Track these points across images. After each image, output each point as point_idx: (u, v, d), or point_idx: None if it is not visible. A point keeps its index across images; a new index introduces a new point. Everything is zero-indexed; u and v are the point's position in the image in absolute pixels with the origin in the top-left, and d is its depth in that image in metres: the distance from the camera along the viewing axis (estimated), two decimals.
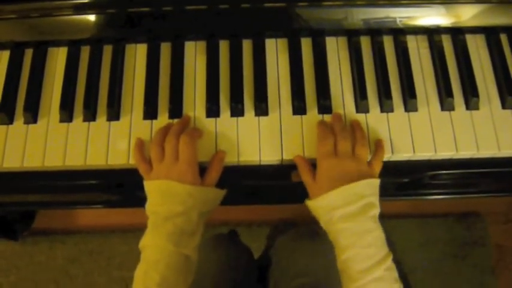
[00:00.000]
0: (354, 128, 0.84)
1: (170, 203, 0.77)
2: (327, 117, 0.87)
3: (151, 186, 0.80)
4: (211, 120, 0.87)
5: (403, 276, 1.69)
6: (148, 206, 0.79)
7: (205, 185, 0.80)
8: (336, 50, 0.92)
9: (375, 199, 0.76)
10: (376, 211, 0.75)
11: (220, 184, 0.83)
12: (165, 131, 0.83)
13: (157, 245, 0.75)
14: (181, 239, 0.75)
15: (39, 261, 1.77)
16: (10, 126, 0.88)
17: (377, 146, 0.84)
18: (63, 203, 1.00)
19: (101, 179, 0.89)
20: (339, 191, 0.74)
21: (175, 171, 0.78)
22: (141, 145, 0.85)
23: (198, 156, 0.81)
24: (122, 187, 0.92)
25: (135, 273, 0.75)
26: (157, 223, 0.76)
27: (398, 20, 0.91)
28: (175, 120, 0.87)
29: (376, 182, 0.78)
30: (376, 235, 0.73)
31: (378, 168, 0.82)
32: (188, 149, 0.79)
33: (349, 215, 0.73)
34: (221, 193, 0.83)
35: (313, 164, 0.82)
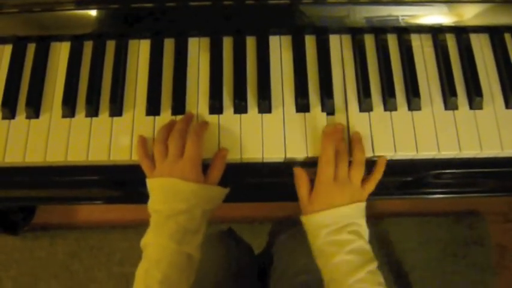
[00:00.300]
0: (354, 148, 0.83)
1: (173, 201, 0.77)
2: (330, 119, 0.87)
3: (154, 184, 0.79)
4: (214, 116, 0.87)
5: (404, 275, 1.69)
6: (151, 204, 0.79)
7: (208, 183, 0.80)
8: (340, 48, 0.92)
9: (361, 220, 0.80)
10: (358, 228, 0.78)
11: (223, 181, 0.83)
12: (168, 128, 0.83)
13: (160, 244, 0.75)
14: (184, 237, 0.75)
15: (39, 256, 1.77)
16: (12, 121, 0.88)
17: (378, 166, 0.84)
18: (64, 198, 0.99)
19: (103, 174, 0.89)
20: (329, 213, 0.78)
21: (178, 168, 0.78)
22: (144, 142, 0.84)
23: (202, 154, 0.81)
24: (123, 183, 0.92)
25: (137, 271, 0.75)
26: (160, 221, 0.76)
27: (401, 18, 0.91)
28: (178, 117, 0.87)
29: (363, 205, 0.81)
30: (358, 244, 0.76)
31: (371, 188, 0.84)
32: (194, 147, 0.79)
33: (334, 230, 0.77)
34: (224, 191, 0.83)
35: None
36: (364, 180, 0.83)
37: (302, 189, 0.82)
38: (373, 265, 0.76)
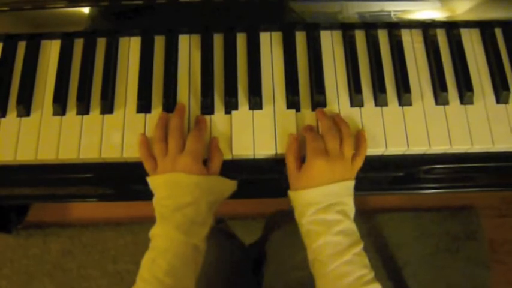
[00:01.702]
0: (338, 123, 0.84)
1: (178, 195, 0.77)
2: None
3: (157, 181, 0.80)
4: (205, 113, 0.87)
5: (397, 270, 1.70)
6: (156, 200, 0.80)
7: (210, 174, 0.81)
8: (331, 43, 0.92)
9: (348, 199, 0.79)
10: (345, 207, 0.78)
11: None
12: (165, 125, 0.84)
13: (167, 234, 0.76)
14: (191, 228, 0.76)
15: (33, 254, 1.77)
16: (3, 119, 0.88)
17: (359, 141, 0.85)
18: (57, 196, 0.99)
19: (95, 172, 0.89)
20: (318, 190, 0.78)
21: (180, 163, 0.78)
22: (146, 142, 0.84)
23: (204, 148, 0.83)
24: (116, 181, 0.92)
25: (143, 260, 0.76)
26: (167, 215, 0.77)
27: (393, 13, 0.91)
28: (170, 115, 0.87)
29: (351, 183, 0.81)
30: (344, 225, 0.76)
31: (359, 164, 0.84)
32: (195, 141, 0.80)
33: (321, 209, 0.77)
34: (231, 184, 0.84)
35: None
36: (352, 156, 0.83)
37: (290, 156, 0.83)
38: (359, 247, 0.76)
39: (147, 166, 0.83)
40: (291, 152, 0.83)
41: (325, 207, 0.76)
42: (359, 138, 0.85)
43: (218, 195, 0.83)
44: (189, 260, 0.76)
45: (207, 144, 0.84)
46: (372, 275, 0.75)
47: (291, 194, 0.82)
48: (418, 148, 0.86)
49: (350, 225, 0.77)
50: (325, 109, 0.87)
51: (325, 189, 0.77)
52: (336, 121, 0.85)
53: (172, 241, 0.75)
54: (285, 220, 1.10)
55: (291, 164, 0.82)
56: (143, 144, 0.84)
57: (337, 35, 0.93)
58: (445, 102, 0.88)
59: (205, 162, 0.82)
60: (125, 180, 0.90)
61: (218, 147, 0.84)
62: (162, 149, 0.81)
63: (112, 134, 0.86)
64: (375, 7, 0.90)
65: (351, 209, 0.79)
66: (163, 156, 0.81)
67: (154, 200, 0.80)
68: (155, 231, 0.77)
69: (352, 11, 0.90)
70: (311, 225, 0.77)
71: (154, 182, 0.81)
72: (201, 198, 0.78)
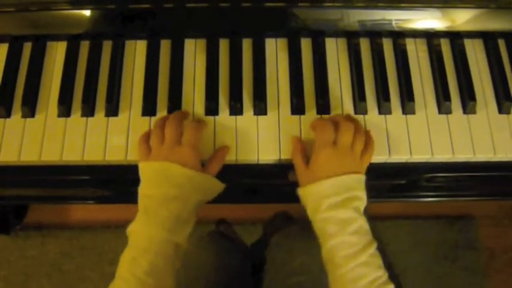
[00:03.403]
0: (352, 121, 0.83)
1: (166, 186, 0.75)
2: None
3: (147, 168, 0.78)
4: (210, 118, 0.87)
5: (395, 277, 1.69)
6: (142, 188, 0.77)
7: (205, 173, 0.80)
8: (336, 51, 0.92)
9: (362, 193, 0.77)
10: (360, 203, 0.76)
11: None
12: (166, 117, 0.83)
13: (149, 232, 0.73)
14: (176, 226, 0.74)
15: (31, 255, 1.77)
16: (8, 119, 0.88)
17: (367, 139, 0.84)
18: (57, 197, 0.99)
19: (95, 174, 0.89)
20: (331, 181, 0.75)
21: (176, 153, 0.77)
22: (149, 131, 0.84)
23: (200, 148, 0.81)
24: (116, 183, 0.92)
25: (121, 257, 0.73)
26: (151, 208, 0.74)
27: (396, 22, 0.91)
28: None
29: (363, 177, 0.79)
30: (360, 224, 0.74)
31: (368, 161, 0.83)
32: (195, 133, 0.79)
33: (335, 204, 0.74)
34: (220, 185, 0.82)
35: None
36: (361, 153, 0.82)
37: (297, 158, 0.81)
38: (374, 247, 0.74)
39: (140, 150, 0.81)
40: (297, 153, 0.82)
41: (341, 202, 0.74)
42: (366, 136, 0.84)
43: (207, 195, 0.81)
44: (170, 258, 0.73)
45: (205, 145, 0.84)
46: (386, 275, 0.73)
47: (301, 191, 0.79)
48: (420, 156, 0.86)
49: (364, 223, 0.75)
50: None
51: (335, 181, 0.75)
52: (350, 118, 0.84)
53: (154, 239, 0.73)
54: (284, 224, 1.11)
55: (298, 163, 0.81)
56: (146, 132, 0.84)
57: (342, 42, 0.93)
58: (448, 112, 0.88)
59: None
60: (124, 183, 0.90)
61: (224, 154, 0.84)
62: (159, 136, 0.80)
63: (116, 137, 0.86)
64: (376, 15, 0.91)
65: (363, 204, 0.77)
66: (159, 143, 0.79)
67: (140, 188, 0.77)
68: (136, 227, 0.74)
69: (353, 19, 0.91)
70: (325, 223, 0.75)
71: (144, 168, 0.78)
72: (190, 194, 0.76)
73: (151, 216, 0.74)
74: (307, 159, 0.82)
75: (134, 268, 0.71)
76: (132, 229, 0.75)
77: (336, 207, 0.74)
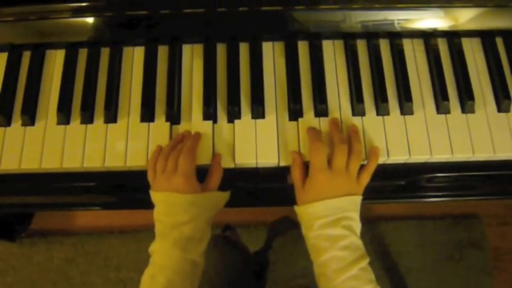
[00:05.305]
0: (351, 139, 0.84)
1: (175, 213, 0.78)
2: (323, 121, 0.87)
3: (156, 197, 0.81)
4: (208, 123, 0.87)
5: (400, 278, 1.69)
6: (156, 214, 0.81)
7: (208, 190, 0.82)
8: (333, 53, 0.93)
9: (354, 214, 0.79)
10: (351, 222, 0.78)
11: (219, 187, 0.84)
12: (176, 142, 0.85)
13: (165, 251, 0.77)
14: (188, 245, 0.77)
15: (36, 262, 1.77)
16: (8, 128, 0.89)
17: (371, 156, 0.84)
18: (61, 204, 1.00)
19: (99, 181, 0.89)
20: (324, 204, 0.78)
21: (173, 182, 0.79)
22: (157, 153, 0.85)
23: (195, 165, 0.82)
24: (120, 189, 0.93)
25: (143, 276, 0.77)
26: (164, 231, 0.78)
27: (394, 23, 0.91)
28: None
29: (358, 199, 0.80)
30: (350, 240, 0.76)
31: (366, 180, 0.83)
32: (186, 162, 0.80)
33: (327, 223, 0.77)
34: (224, 195, 0.85)
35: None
36: (359, 172, 0.82)
37: (295, 173, 0.83)
38: (365, 262, 0.76)
39: (149, 176, 0.84)
40: (295, 168, 0.83)
41: (331, 222, 0.76)
42: (371, 154, 0.85)
43: (214, 210, 0.83)
44: (187, 275, 0.77)
45: (200, 155, 0.84)
46: None
47: (297, 209, 0.82)
48: (419, 157, 0.86)
49: (356, 240, 0.77)
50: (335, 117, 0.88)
51: (329, 203, 0.77)
52: (351, 137, 0.85)
53: (171, 257, 0.76)
54: (287, 228, 1.11)
55: (296, 179, 0.82)
56: (154, 154, 0.85)
57: (339, 44, 0.93)
58: (447, 111, 0.88)
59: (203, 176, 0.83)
60: (128, 189, 0.91)
61: (220, 164, 0.85)
62: (162, 166, 0.82)
63: (116, 143, 0.87)
64: (379, 16, 0.91)
65: (357, 224, 0.79)
66: (161, 172, 0.82)
67: (154, 214, 0.81)
68: (154, 248, 0.78)
69: (355, 20, 0.91)
70: (317, 240, 0.77)
71: (153, 197, 0.81)
72: (198, 215, 0.79)
73: (165, 238, 0.77)
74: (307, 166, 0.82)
75: (154, 286, 0.75)
76: (152, 248, 0.79)
77: (327, 226, 0.77)
